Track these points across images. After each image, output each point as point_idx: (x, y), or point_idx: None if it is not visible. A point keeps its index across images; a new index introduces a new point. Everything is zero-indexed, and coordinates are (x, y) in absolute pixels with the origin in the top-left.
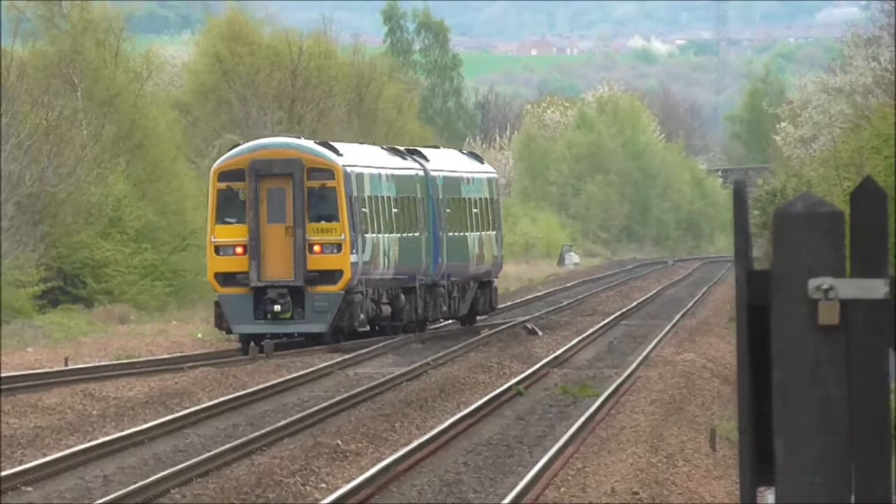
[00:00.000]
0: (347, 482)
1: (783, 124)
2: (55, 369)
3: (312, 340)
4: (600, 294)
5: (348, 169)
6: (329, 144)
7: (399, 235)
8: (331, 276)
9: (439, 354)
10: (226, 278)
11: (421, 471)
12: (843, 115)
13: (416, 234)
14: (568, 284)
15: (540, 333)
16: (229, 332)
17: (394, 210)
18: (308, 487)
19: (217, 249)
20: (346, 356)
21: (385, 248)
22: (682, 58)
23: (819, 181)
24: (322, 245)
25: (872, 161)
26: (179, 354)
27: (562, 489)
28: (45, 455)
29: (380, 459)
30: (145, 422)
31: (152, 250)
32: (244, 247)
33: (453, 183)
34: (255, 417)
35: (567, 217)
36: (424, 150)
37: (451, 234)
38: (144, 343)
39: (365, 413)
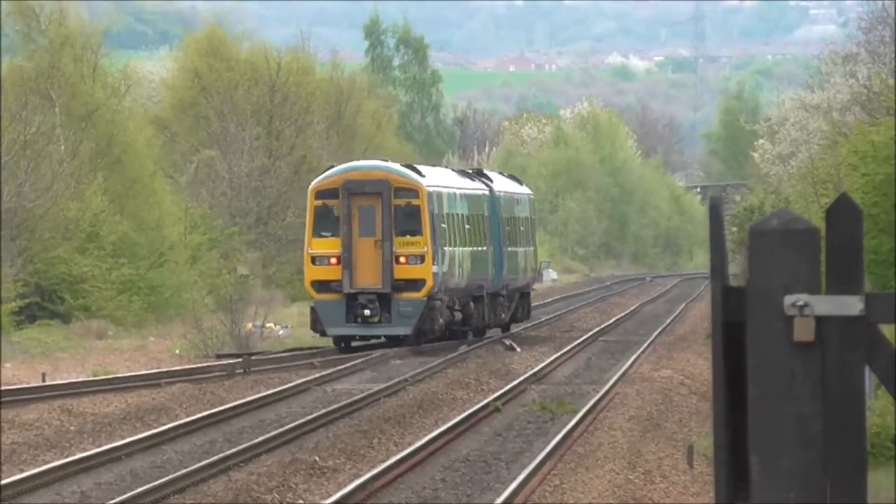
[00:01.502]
0: (325, 498)
1: (761, 141)
2: (32, 385)
3: (397, 342)
4: (578, 310)
5: (430, 189)
6: (413, 167)
7: (471, 249)
8: (415, 284)
9: (417, 371)
10: (321, 286)
11: (398, 487)
12: (820, 132)
13: (484, 248)
14: (546, 301)
15: (518, 349)
16: (323, 334)
17: (466, 226)
18: None
19: (314, 260)
20: (324, 372)
21: (459, 260)
22: (660, 74)
23: (796, 198)
24: (407, 257)
25: (850, 178)
26: (157, 370)
27: None
28: (21, 471)
29: (357, 476)
30: (122, 438)
31: (130, 265)
32: (338, 258)
33: (510, 202)
34: (233, 434)
35: (545, 233)
36: (487, 172)
37: (508, 248)
38: (122, 359)
39: (342, 429)
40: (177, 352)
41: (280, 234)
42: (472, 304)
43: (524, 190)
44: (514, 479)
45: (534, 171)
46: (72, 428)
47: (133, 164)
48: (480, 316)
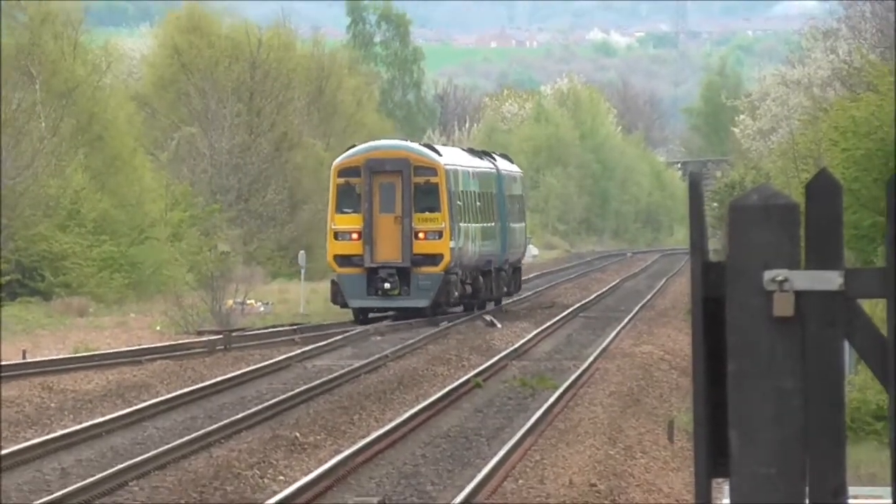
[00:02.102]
0: (306, 475)
1: (742, 117)
2: (13, 362)
3: (415, 314)
4: (559, 286)
5: (448, 167)
6: (432, 146)
7: (482, 225)
8: (433, 259)
9: (397, 347)
10: (343, 260)
11: (379, 463)
12: (801, 107)
13: (493, 225)
14: (527, 276)
15: (499, 325)
16: (344, 306)
17: (478, 203)
18: (266, 480)
19: (336, 235)
20: (305, 348)
21: (472, 236)
22: (641, 50)
23: (777, 173)
24: (426, 232)
25: (830, 153)
26: (137, 347)
27: (520, 481)
28: (2, 448)
29: (338, 452)
30: (103, 415)
31: (111, 242)
32: (359, 233)
33: (510, 180)
34: (214, 410)
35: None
36: (489, 152)
37: (509, 224)
38: (103, 336)
39: (323, 405)
40: (158, 328)
41: (261, 211)
42: (481, 278)
43: (517, 168)
44: (495, 454)
45: (515, 147)
46: (52, 405)
47: (114, 141)
48: (489, 289)
